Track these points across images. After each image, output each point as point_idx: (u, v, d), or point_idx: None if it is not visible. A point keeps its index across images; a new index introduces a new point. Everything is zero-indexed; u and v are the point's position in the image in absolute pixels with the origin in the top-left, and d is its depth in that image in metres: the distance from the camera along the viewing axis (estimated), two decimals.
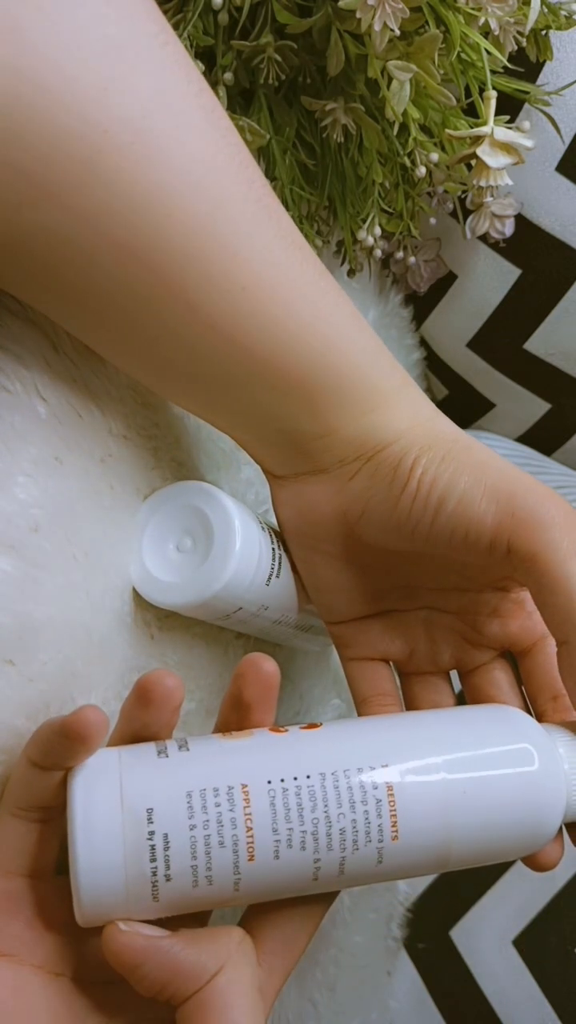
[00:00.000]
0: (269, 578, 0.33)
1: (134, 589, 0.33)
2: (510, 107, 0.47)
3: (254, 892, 0.26)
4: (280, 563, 0.34)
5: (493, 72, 0.41)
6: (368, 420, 0.31)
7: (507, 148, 0.41)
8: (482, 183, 0.42)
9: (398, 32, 0.36)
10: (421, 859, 0.27)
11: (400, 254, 0.53)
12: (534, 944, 0.52)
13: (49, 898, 0.27)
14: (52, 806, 0.26)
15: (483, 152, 0.40)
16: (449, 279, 0.57)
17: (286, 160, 0.43)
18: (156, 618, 0.34)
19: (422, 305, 0.60)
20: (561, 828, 0.30)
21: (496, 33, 0.40)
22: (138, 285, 0.27)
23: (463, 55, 0.40)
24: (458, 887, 0.57)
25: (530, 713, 0.33)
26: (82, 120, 0.23)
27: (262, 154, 0.43)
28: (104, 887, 0.24)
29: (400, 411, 0.32)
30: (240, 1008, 0.24)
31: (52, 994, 0.26)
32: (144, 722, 0.26)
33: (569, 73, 0.47)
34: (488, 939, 0.54)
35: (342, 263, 0.49)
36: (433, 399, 0.67)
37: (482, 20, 0.39)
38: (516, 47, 0.41)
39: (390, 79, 0.38)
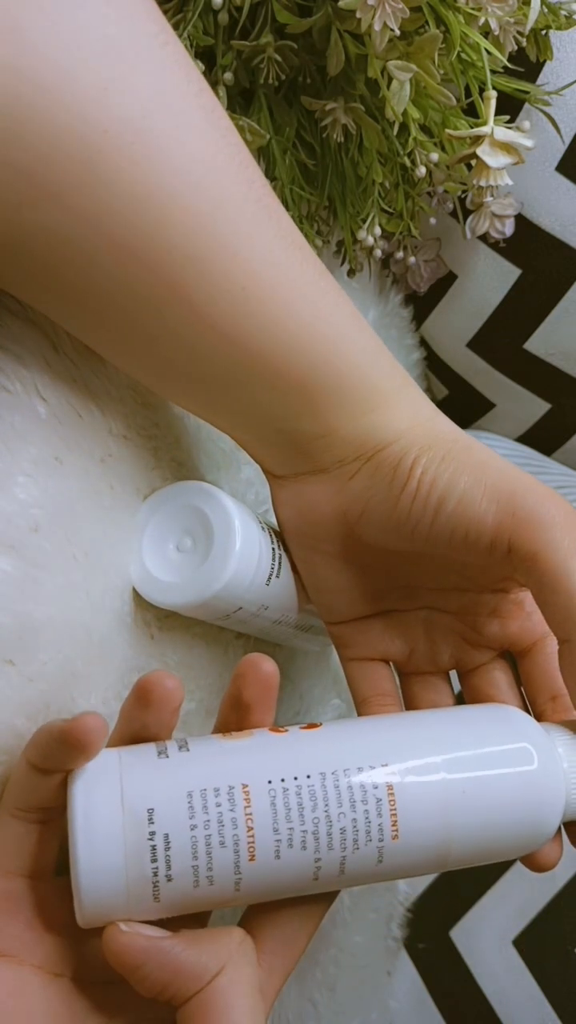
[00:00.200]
0: (269, 578, 0.33)
1: (134, 589, 0.33)
2: (510, 107, 0.47)
3: (255, 892, 0.26)
4: (280, 563, 0.34)
5: (493, 72, 0.41)
6: (368, 420, 0.31)
7: (507, 148, 0.41)
8: (482, 183, 0.42)
9: (398, 32, 0.36)
10: (421, 858, 0.27)
11: (400, 254, 0.53)
12: (534, 944, 0.52)
13: (49, 898, 0.27)
14: (52, 807, 0.26)
15: (483, 152, 0.40)
16: (449, 279, 0.57)
17: (286, 160, 0.43)
18: (156, 618, 0.34)
19: (422, 305, 0.60)
20: (560, 828, 0.30)
21: (496, 33, 0.40)
22: (138, 285, 0.27)
23: (463, 55, 0.40)
24: (458, 887, 0.57)
25: (529, 713, 0.33)
26: (82, 120, 0.23)
27: (262, 154, 0.43)
28: (105, 888, 0.24)
29: (400, 411, 0.32)
30: (241, 1008, 0.24)
31: (52, 994, 0.26)
32: (143, 723, 0.26)
33: (569, 73, 0.47)
34: (488, 939, 0.54)
35: (342, 263, 0.49)
36: (433, 399, 0.67)
37: (482, 20, 0.39)
38: (516, 47, 0.41)
39: (390, 79, 0.38)
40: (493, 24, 0.40)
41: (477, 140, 0.40)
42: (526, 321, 0.56)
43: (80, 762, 0.25)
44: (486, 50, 0.39)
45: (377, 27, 0.35)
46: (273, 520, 0.36)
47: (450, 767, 0.27)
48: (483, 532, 0.29)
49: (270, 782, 0.25)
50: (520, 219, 0.51)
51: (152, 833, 0.24)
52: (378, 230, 0.46)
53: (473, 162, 0.41)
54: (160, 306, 0.27)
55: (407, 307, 0.60)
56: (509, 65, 0.43)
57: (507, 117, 0.43)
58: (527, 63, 0.46)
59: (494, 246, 0.54)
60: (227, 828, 0.24)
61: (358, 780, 0.26)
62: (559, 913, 0.52)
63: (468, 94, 0.42)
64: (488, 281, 0.55)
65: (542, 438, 0.64)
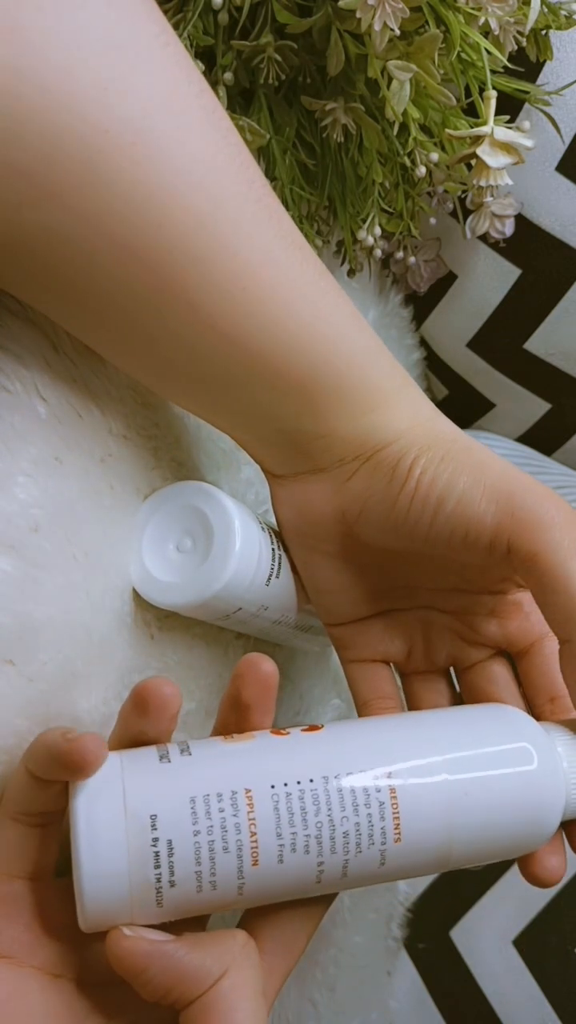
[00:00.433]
0: (269, 578, 0.33)
1: (134, 589, 0.33)
2: (510, 107, 0.47)
3: (257, 896, 0.26)
4: (280, 563, 0.34)
5: (493, 72, 0.41)
6: (368, 420, 0.31)
7: (507, 148, 0.41)
8: (482, 183, 0.42)
9: (398, 32, 0.36)
10: (423, 860, 0.27)
11: (400, 254, 0.53)
12: (534, 944, 0.52)
13: (49, 900, 0.27)
14: (52, 811, 0.26)
15: (483, 152, 0.40)
16: (449, 279, 0.57)
17: (286, 160, 0.43)
18: (156, 618, 0.34)
19: (422, 305, 0.60)
20: (562, 837, 0.30)
21: (496, 33, 0.40)
22: (138, 285, 0.27)
23: (463, 55, 0.40)
24: (458, 887, 0.57)
25: (528, 712, 0.33)
26: (83, 120, 0.23)
27: (262, 154, 0.43)
28: (108, 894, 0.24)
29: (400, 411, 0.32)
30: (244, 1011, 0.24)
31: (52, 996, 0.26)
32: (142, 728, 0.26)
33: (569, 73, 0.47)
34: (488, 939, 0.54)
35: (342, 263, 0.49)
36: (433, 399, 0.67)
37: (482, 20, 0.39)
38: (516, 47, 0.41)
39: (390, 79, 0.38)
40: (493, 24, 0.40)
41: (477, 140, 0.40)
42: (526, 321, 0.56)
43: (79, 779, 0.24)
44: (486, 50, 0.39)
45: (377, 27, 0.35)
46: (273, 520, 0.36)
47: (451, 768, 0.27)
48: (482, 532, 0.29)
49: (273, 787, 0.25)
50: (520, 219, 0.51)
51: (155, 839, 0.24)
52: (378, 230, 0.46)
53: (473, 162, 0.41)
54: (160, 306, 0.27)
55: (407, 307, 0.60)
56: (509, 65, 0.43)
57: (507, 117, 0.43)
58: (527, 63, 0.46)
59: (494, 246, 0.54)
60: (230, 833, 0.24)
61: (361, 784, 0.26)
62: (559, 913, 0.52)
63: (468, 94, 0.42)
64: (488, 281, 0.55)
65: (542, 438, 0.64)
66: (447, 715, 0.30)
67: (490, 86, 0.40)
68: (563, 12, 0.44)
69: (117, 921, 0.24)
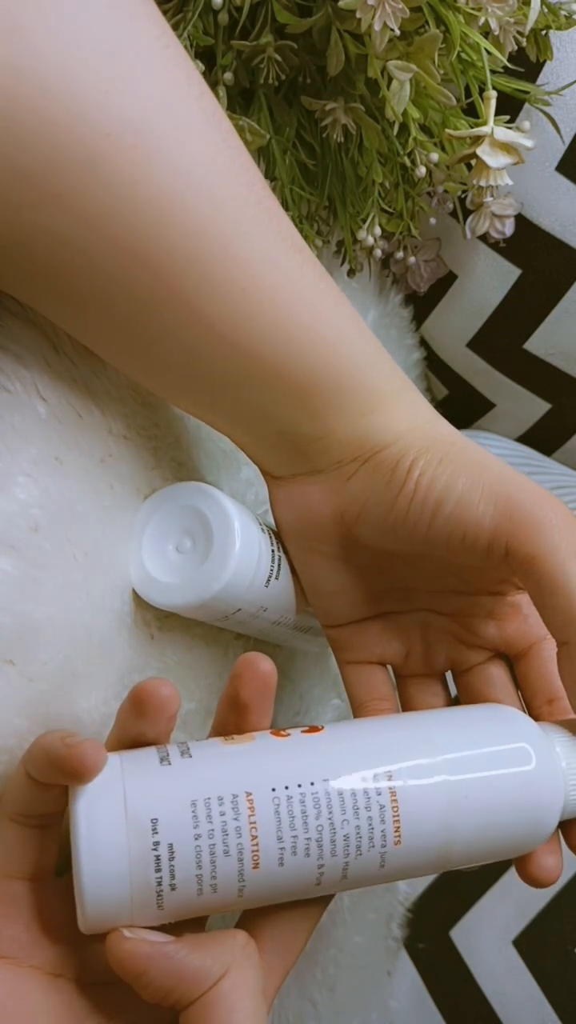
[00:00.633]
0: (268, 579, 0.33)
1: (134, 589, 0.33)
2: (510, 107, 0.47)
3: (257, 898, 0.26)
4: (279, 564, 0.34)
5: (493, 72, 0.41)
6: (367, 422, 0.31)
7: (507, 148, 0.41)
8: (482, 183, 0.42)
9: (398, 32, 0.36)
10: (422, 861, 0.27)
11: (400, 254, 0.53)
12: (534, 944, 0.52)
13: (49, 900, 0.27)
14: (52, 813, 0.26)
15: (483, 152, 0.40)
16: (449, 279, 0.57)
17: (286, 160, 0.43)
18: (156, 618, 0.34)
19: (422, 305, 0.60)
20: (559, 838, 0.30)
21: (496, 33, 0.40)
22: (138, 286, 0.27)
23: (463, 55, 0.40)
24: (458, 887, 0.57)
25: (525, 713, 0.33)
26: (83, 121, 0.23)
27: (262, 154, 0.43)
28: (109, 897, 0.24)
29: (399, 413, 0.32)
30: (244, 1011, 0.24)
31: (52, 995, 0.26)
32: (140, 730, 0.26)
33: (569, 73, 0.47)
34: (488, 939, 0.54)
35: (342, 263, 0.49)
36: (433, 399, 0.67)
37: (482, 20, 0.39)
38: (516, 47, 0.41)
39: (390, 79, 0.38)
40: (493, 24, 0.40)
41: (477, 140, 0.40)
42: (526, 321, 0.56)
43: (78, 785, 0.24)
44: (486, 50, 0.39)
45: (377, 27, 0.35)
46: (272, 521, 0.36)
47: (451, 769, 0.27)
48: (481, 534, 0.29)
49: (274, 790, 0.25)
50: (520, 219, 0.51)
51: (156, 843, 0.24)
52: (378, 230, 0.46)
53: (473, 162, 0.41)
54: (160, 307, 0.27)
55: (407, 307, 0.60)
56: (509, 65, 0.43)
57: (507, 117, 0.43)
58: (527, 63, 0.46)
59: (494, 246, 0.54)
60: (231, 837, 0.24)
61: (361, 786, 0.26)
62: (559, 913, 0.52)
63: (468, 94, 0.42)
64: (488, 281, 0.55)
65: (542, 438, 0.64)
66: (446, 716, 0.30)
67: (490, 86, 0.40)
68: (563, 12, 0.44)
69: (117, 924, 0.24)
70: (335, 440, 0.32)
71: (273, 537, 0.35)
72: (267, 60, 0.39)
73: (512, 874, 0.54)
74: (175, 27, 0.39)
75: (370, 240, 0.46)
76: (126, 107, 0.24)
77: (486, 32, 0.40)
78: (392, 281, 0.58)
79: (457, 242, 0.55)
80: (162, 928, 0.25)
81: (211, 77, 0.41)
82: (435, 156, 0.43)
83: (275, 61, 0.39)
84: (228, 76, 0.40)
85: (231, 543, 0.31)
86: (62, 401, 0.29)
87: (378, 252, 0.47)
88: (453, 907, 0.56)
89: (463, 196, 0.49)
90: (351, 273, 0.49)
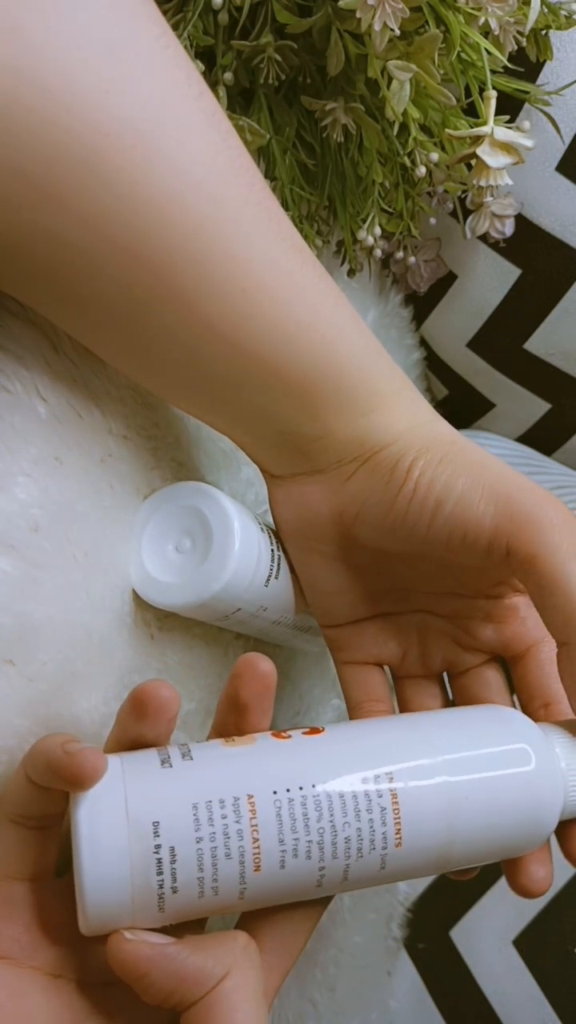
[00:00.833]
0: (268, 579, 0.33)
1: (134, 589, 0.33)
2: (510, 107, 0.47)
3: (258, 900, 0.25)
4: (279, 564, 0.34)
5: (493, 72, 0.41)
6: (366, 421, 0.31)
7: (507, 148, 0.41)
8: (482, 183, 0.42)
9: (398, 32, 0.36)
10: (423, 862, 0.27)
11: (400, 254, 0.53)
12: (534, 944, 0.52)
13: (48, 901, 0.27)
14: (52, 814, 0.26)
15: (483, 152, 0.40)
16: (449, 279, 0.57)
17: (286, 160, 0.43)
18: (156, 618, 0.34)
19: (422, 305, 0.60)
20: (549, 847, 0.30)
21: (496, 33, 0.40)
22: (138, 286, 0.27)
23: (463, 55, 0.40)
24: (458, 887, 0.57)
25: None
26: (83, 121, 0.23)
27: (262, 154, 0.43)
28: (110, 900, 0.24)
29: (398, 413, 0.32)
30: (246, 1012, 0.24)
31: (52, 996, 0.26)
32: (140, 731, 0.26)
33: (569, 73, 0.47)
34: (488, 939, 0.54)
35: (342, 263, 0.49)
36: (433, 399, 0.67)
37: (482, 20, 0.39)
38: (516, 47, 0.41)
39: (390, 79, 0.38)
40: (493, 24, 0.40)
41: (477, 140, 0.40)
42: (526, 321, 0.55)
43: (78, 791, 0.24)
44: (486, 50, 0.39)
45: (377, 27, 0.35)
46: (272, 520, 0.36)
47: (451, 770, 0.27)
48: (481, 534, 0.29)
49: (275, 792, 0.25)
50: (520, 219, 0.51)
51: (158, 846, 0.24)
52: (378, 230, 0.46)
53: (473, 162, 0.41)
54: (159, 307, 0.27)
55: (407, 307, 0.60)
56: (509, 65, 0.43)
57: (507, 117, 0.43)
58: (527, 63, 0.46)
59: (494, 246, 0.54)
60: (232, 840, 0.24)
61: (363, 789, 0.26)
62: (559, 913, 0.52)
63: (468, 94, 0.42)
64: (488, 281, 0.55)
65: (542, 438, 0.64)
66: (446, 716, 0.30)
67: (490, 86, 0.40)
68: (563, 12, 0.44)
69: (118, 926, 0.24)
70: (335, 440, 0.32)
71: (273, 537, 0.35)
72: (267, 60, 0.39)
73: None
74: (175, 27, 0.39)
75: (370, 240, 0.46)
76: (126, 107, 0.24)
77: (486, 32, 0.40)
78: (392, 281, 0.58)
79: (457, 242, 0.55)
80: (162, 930, 0.25)
81: (211, 77, 0.41)
82: (435, 156, 0.43)
83: (275, 61, 0.39)
84: (228, 76, 0.40)
85: (231, 543, 0.31)
86: (62, 401, 0.29)
87: (378, 252, 0.47)
88: (453, 907, 0.56)
89: (463, 196, 0.49)
90: (351, 273, 0.49)
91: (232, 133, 0.28)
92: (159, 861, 0.24)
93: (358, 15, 0.35)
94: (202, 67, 0.41)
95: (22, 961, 0.26)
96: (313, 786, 0.25)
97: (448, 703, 0.36)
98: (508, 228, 0.48)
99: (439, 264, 0.56)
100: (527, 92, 0.45)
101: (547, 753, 0.28)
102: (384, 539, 0.32)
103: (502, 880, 0.55)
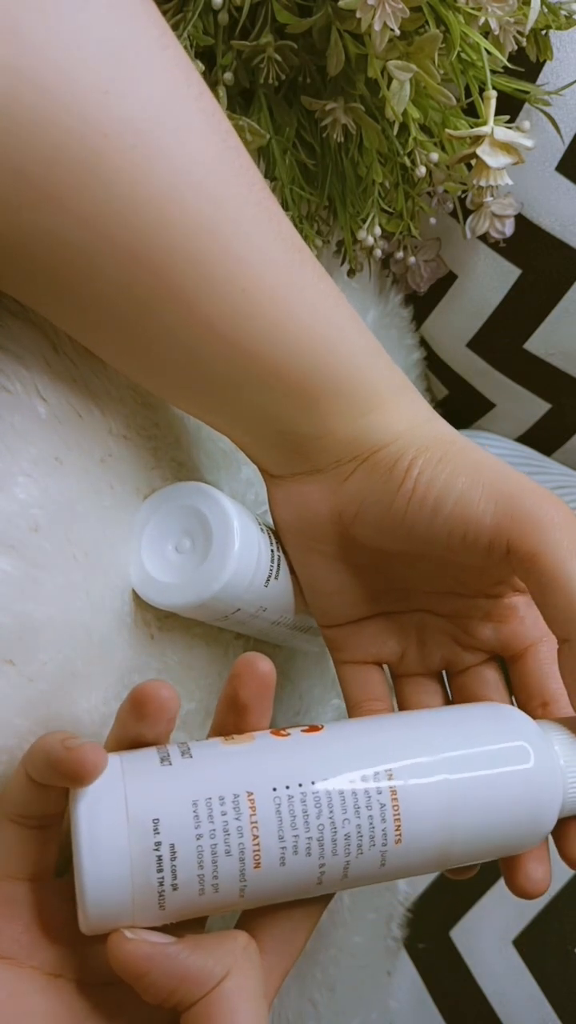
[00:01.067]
0: (268, 579, 0.33)
1: (134, 589, 0.33)
2: (510, 107, 0.47)
3: (259, 898, 0.26)
4: (279, 564, 0.34)
5: (493, 72, 0.41)
6: (365, 421, 0.31)
7: (507, 148, 0.41)
8: (482, 183, 0.42)
9: (398, 32, 0.36)
10: (422, 859, 0.27)
11: (400, 254, 0.53)
12: (534, 944, 0.52)
13: (49, 901, 0.27)
14: (52, 814, 0.26)
15: (483, 152, 0.40)
16: (449, 279, 0.57)
17: (286, 160, 0.43)
18: (156, 618, 0.34)
19: (422, 305, 0.60)
20: (547, 847, 0.30)
21: (496, 33, 0.40)
22: (138, 287, 0.27)
23: (463, 55, 0.40)
24: (458, 887, 0.57)
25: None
26: (82, 121, 0.23)
27: (262, 154, 0.43)
28: (110, 899, 0.24)
29: (398, 413, 0.32)
30: (246, 1013, 0.24)
31: (52, 996, 0.26)
32: (140, 731, 0.26)
33: (569, 73, 0.47)
34: (488, 939, 0.54)
35: (342, 263, 0.49)
36: (433, 399, 0.67)
37: (482, 20, 0.39)
38: (516, 47, 0.41)
39: (390, 79, 0.38)
40: (493, 24, 0.40)
41: (477, 140, 0.40)
42: (526, 321, 0.56)
43: (78, 787, 0.24)
44: (486, 50, 0.39)
45: (377, 27, 0.35)
46: (271, 520, 0.36)
47: (451, 768, 0.27)
48: (482, 533, 0.29)
49: (275, 789, 0.25)
50: (520, 219, 0.51)
51: (158, 843, 0.24)
52: (378, 230, 0.46)
53: (473, 162, 0.41)
54: (159, 307, 0.27)
55: (407, 307, 0.60)
56: (509, 65, 0.43)
57: (507, 117, 0.43)
58: (527, 63, 0.46)
59: (494, 246, 0.54)
60: (232, 837, 0.24)
61: (362, 785, 0.26)
62: (559, 913, 0.52)
63: (468, 94, 0.42)
64: (488, 281, 0.55)
65: (542, 438, 0.64)
66: (445, 714, 0.30)
67: (490, 86, 0.40)
68: (563, 12, 0.44)
69: (118, 924, 0.24)
70: (334, 439, 0.32)
71: (272, 537, 0.35)
72: (267, 60, 0.39)
73: None
74: (175, 27, 0.39)
75: (370, 240, 0.46)
76: (126, 107, 0.24)
77: (486, 32, 0.40)
78: (392, 281, 0.58)
79: (457, 242, 0.55)
80: (162, 928, 0.25)
81: (211, 77, 0.41)
82: (435, 156, 0.43)
83: (275, 61, 0.39)
84: (228, 76, 0.40)
85: (230, 543, 0.31)
86: (62, 401, 0.29)
87: (378, 252, 0.47)
88: (453, 907, 0.56)
89: (463, 196, 0.49)
90: (351, 273, 0.49)
91: (232, 133, 0.28)
92: (159, 858, 0.24)
93: (358, 15, 0.35)
94: (202, 67, 0.41)
95: (22, 961, 0.26)
96: (312, 783, 0.25)
97: (447, 701, 0.36)
98: (508, 228, 0.48)
99: (439, 264, 0.56)
100: (527, 92, 0.45)
101: (546, 751, 0.28)
102: (383, 538, 0.32)
103: (502, 880, 0.55)
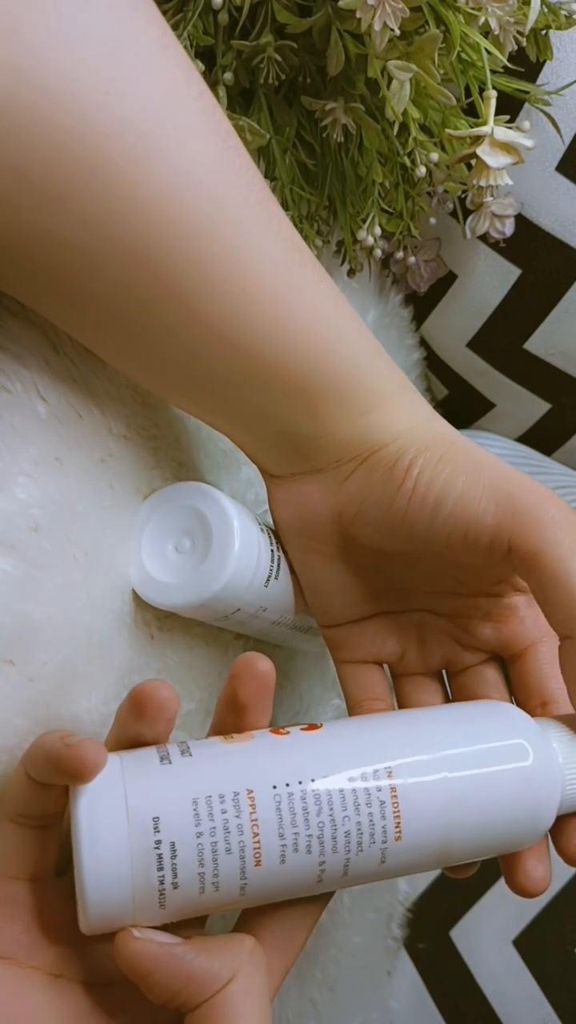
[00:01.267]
0: (268, 579, 0.33)
1: (134, 589, 0.33)
2: (510, 107, 0.47)
3: (259, 896, 0.26)
4: (279, 564, 0.34)
5: (493, 72, 0.41)
6: (365, 421, 0.31)
7: (507, 148, 0.41)
8: (482, 183, 0.42)
9: (398, 32, 0.36)
10: (422, 857, 0.27)
11: (400, 254, 0.53)
12: (534, 944, 0.52)
13: (49, 901, 0.26)
14: (52, 813, 0.26)
15: (483, 152, 0.40)
16: (449, 279, 0.57)
17: (286, 160, 0.43)
18: (156, 618, 0.34)
19: (422, 305, 0.60)
20: (547, 846, 0.30)
21: (496, 33, 0.40)
22: (138, 286, 0.27)
23: (463, 55, 0.40)
24: (458, 887, 0.57)
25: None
26: (83, 121, 0.23)
27: (262, 154, 0.43)
28: (111, 898, 0.24)
29: (398, 413, 0.32)
30: (250, 1017, 0.24)
31: (52, 996, 0.26)
32: (139, 731, 0.26)
33: (569, 73, 0.47)
34: (488, 939, 0.54)
35: (342, 263, 0.49)
36: (433, 399, 0.67)
37: (482, 20, 0.39)
38: (516, 47, 0.41)
39: (390, 79, 0.38)
40: (493, 24, 0.40)
41: (477, 140, 0.40)
42: (526, 321, 0.56)
43: (78, 785, 0.24)
44: (486, 50, 0.39)
45: (377, 27, 0.35)
46: (271, 520, 0.36)
47: (450, 766, 0.27)
48: (482, 532, 0.29)
49: (275, 787, 0.25)
50: (520, 219, 0.51)
51: (158, 842, 0.24)
52: (378, 230, 0.46)
53: (473, 162, 0.41)
54: (159, 307, 0.27)
55: (407, 307, 0.60)
56: (509, 65, 0.43)
57: (507, 117, 0.43)
58: (527, 63, 0.46)
59: (494, 246, 0.54)
60: (233, 835, 0.24)
61: (362, 783, 0.26)
62: (559, 913, 0.52)
63: (468, 94, 0.42)
64: (488, 281, 0.55)
65: (542, 438, 0.64)
66: (444, 712, 0.30)
67: (490, 86, 0.40)
68: (563, 12, 0.44)
69: (119, 924, 0.24)
70: (334, 439, 0.32)
71: (272, 537, 0.35)
72: (267, 60, 0.39)
73: None
74: (175, 27, 0.39)
75: (370, 240, 0.46)
76: (126, 107, 0.24)
77: (486, 32, 0.40)
78: (392, 281, 0.58)
79: (457, 242, 0.55)
80: (163, 928, 0.25)
81: (211, 77, 0.41)
82: (435, 156, 0.43)
83: (275, 61, 0.39)
84: (228, 76, 0.40)
85: (230, 543, 0.31)
86: (62, 401, 0.29)
87: (378, 252, 0.47)
88: (453, 907, 0.56)
89: (463, 196, 0.49)
90: (351, 273, 0.49)
91: (232, 133, 0.28)
92: (160, 857, 0.24)
93: (358, 15, 0.35)
94: (202, 67, 0.41)
95: (22, 961, 0.26)
96: (312, 781, 0.25)
97: (447, 701, 0.36)
98: (508, 228, 0.48)
99: (439, 264, 0.56)
100: (527, 92, 0.45)
101: (544, 748, 0.28)
102: (383, 538, 0.32)
103: (502, 880, 0.55)
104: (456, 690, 0.35)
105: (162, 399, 0.35)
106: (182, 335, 0.28)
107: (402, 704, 0.36)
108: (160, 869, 0.24)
